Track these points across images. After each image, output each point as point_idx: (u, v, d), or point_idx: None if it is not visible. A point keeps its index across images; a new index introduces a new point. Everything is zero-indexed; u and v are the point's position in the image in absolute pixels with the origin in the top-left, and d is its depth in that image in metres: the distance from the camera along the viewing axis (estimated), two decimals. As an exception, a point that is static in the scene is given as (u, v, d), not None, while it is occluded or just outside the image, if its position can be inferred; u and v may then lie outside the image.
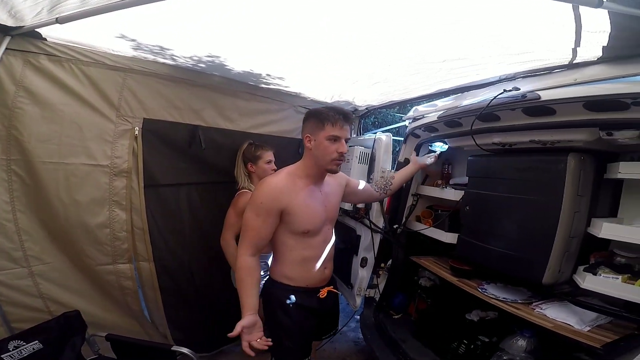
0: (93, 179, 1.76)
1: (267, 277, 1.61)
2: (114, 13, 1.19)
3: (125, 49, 1.69)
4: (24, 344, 1.51)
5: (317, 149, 1.42)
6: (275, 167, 2.17)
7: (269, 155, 2.19)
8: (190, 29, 1.43)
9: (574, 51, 1.34)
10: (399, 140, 2.97)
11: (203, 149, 2.14)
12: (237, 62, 1.85)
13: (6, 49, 1.44)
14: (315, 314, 1.57)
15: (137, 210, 1.94)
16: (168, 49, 1.69)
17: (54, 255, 1.73)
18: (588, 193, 1.54)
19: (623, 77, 1.29)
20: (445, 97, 2.19)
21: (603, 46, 1.24)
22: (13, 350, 1.47)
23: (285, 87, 2.27)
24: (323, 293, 1.56)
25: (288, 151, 2.63)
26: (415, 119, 2.39)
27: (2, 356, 1.44)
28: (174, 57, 1.78)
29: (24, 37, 1.47)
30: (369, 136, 2.70)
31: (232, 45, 1.61)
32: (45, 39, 1.53)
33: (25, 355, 1.50)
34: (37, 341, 1.55)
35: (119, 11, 1.17)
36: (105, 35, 1.54)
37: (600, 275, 1.40)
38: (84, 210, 1.74)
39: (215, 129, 2.20)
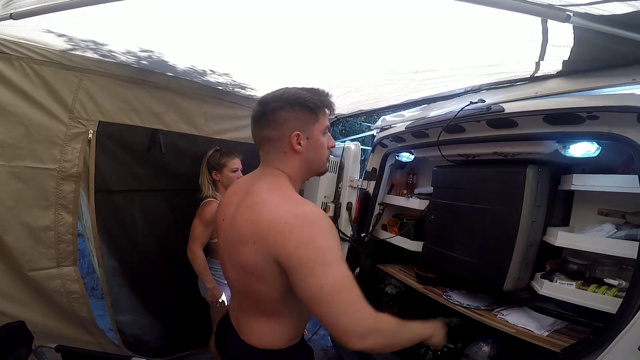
0: (38, 183, 1.64)
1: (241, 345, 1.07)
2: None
3: (59, 44, 1.57)
4: None
5: (312, 149, 1.00)
6: (241, 176, 2.07)
7: (234, 164, 2.11)
8: (125, 23, 1.32)
9: (537, 64, 1.42)
10: (366, 149, 3.00)
11: (163, 154, 2.07)
12: (178, 59, 1.77)
13: None
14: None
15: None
16: (103, 44, 1.59)
17: None
18: (544, 203, 1.63)
19: (579, 90, 1.39)
20: (412, 107, 2.25)
21: (564, 60, 1.33)
22: None
23: (241, 87, 2.21)
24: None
25: (255, 158, 2.54)
26: (383, 129, 2.43)
27: None
28: (112, 52, 1.68)
29: None
30: (338, 145, 2.70)
31: (172, 39, 1.52)
32: None
33: None
34: None
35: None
36: (36, 31, 1.42)
37: (557, 282, 1.48)
38: (26, 213, 1.62)
39: (177, 133, 2.12)
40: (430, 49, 1.43)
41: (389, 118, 2.41)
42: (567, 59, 1.31)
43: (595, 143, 1.40)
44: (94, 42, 1.58)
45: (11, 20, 1.22)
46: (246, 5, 1.20)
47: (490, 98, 1.65)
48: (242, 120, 2.42)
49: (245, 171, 2.13)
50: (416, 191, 2.45)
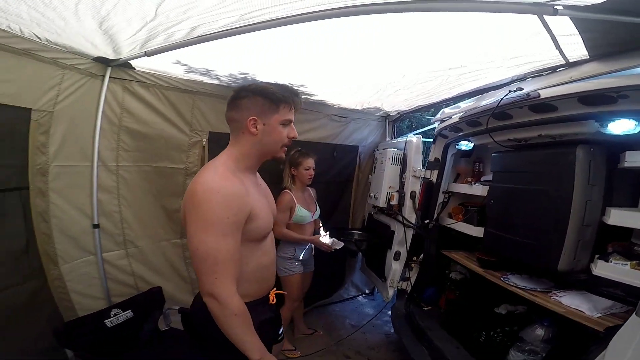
0: (173, 178, 2.24)
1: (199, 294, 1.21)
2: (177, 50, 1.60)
3: (181, 72, 2.06)
4: (121, 312, 1.91)
5: (267, 134, 1.17)
6: (313, 174, 2.47)
7: (308, 162, 2.46)
8: (227, 52, 1.74)
9: (562, 52, 1.46)
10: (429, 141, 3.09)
11: None
12: (264, 77, 2.14)
13: (110, 77, 1.85)
14: (272, 322, 1.36)
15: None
16: (212, 70, 2.05)
17: (143, 239, 2.20)
18: (601, 182, 1.57)
19: (611, 72, 1.38)
20: (465, 99, 2.31)
21: (587, 46, 1.35)
22: (113, 316, 1.87)
23: (312, 95, 2.56)
24: (272, 298, 1.34)
25: (325, 154, 2.95)
26: (442, 121, 2.53)
27: (105, 321, 1.83)
28: (218, 76, 2.16)
29: (120, 67, 1.88)
30: (401, 139, 2.89)
31: (259, 62, 1.90)
32: (134, 68, 1.94)
33: (121, 321, 1.89)
34: (129, 310, 1.94)
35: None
36: (167, 62, 1.87)
37: (612, 262, 1.44)
38: (165, 199, 2.23)
39: None
40: (457, 48, 1.59)
41: (447, 110, 2.50)
42: (587, 44, 1.32)
43: (633, 120, 1.34)
44: (207, 69, 2.03)
45: (145, 57, 1.69)
46: (311, 34, 1.51)
47: (530, 86, 1.68)
48: (312, 123, 2.82)
49: (318, 165, 2.51)
50: (482, 179, 2.48)
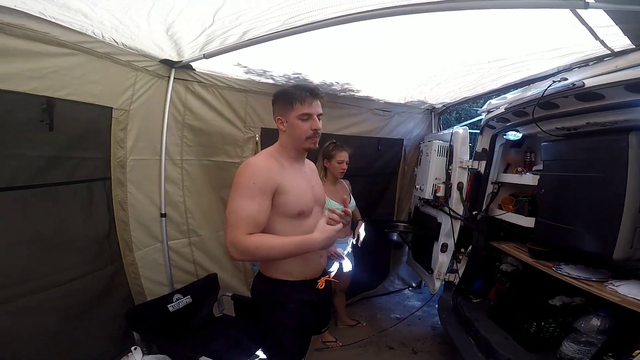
0: (230, 171, 2.29)
1: (257, 274, 1.49)
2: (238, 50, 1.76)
3: (241, 74, 2.25)
4: (182, 297, 2.01)
5: (290, 129, 1.36)
6: (346, 168, 2.49)
7: (341, 156, 2.45)
8: (281, 55, 1.90)
9: (603, 43, 1.45)
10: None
11: None
12: (314, 76, 2.33)
13: (174, 78, 2.01)
14: (315, 307, 1.46)
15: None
16: (268, 71, 2.23)
17: (204, 228, 2.36)
18: (655, 168, 1.49)
19: None
20: (514, 90, 2.27)
21: (629, 36, 1.32)
22: (175, 301, 1.98)
23: (357, 91, 2.63)
24: (321, 283, 1.44)
25: (369, 148, 3.03)
26: (489, 112, 2.50)
27: (168, 306, 1.94)
28: (273, 77, 2.34)
29: (182, 69, 2.03)
30: (447, 131, 2.88)
31: (309, 63, 2.07)
32: (194, 70, 2.09)
33: (182, 306, 1.99)
34: (189, 296, 2.04)
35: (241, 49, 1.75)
36: (228, 65, 2.06)
37: (674, 249, 1.37)
38: (223, 191, 2.36)
39: None
40: (495, 42, 1.63)
41: (493, 101, 2.45)
42: (627, 34, 1.29)
43: None
44: (263, 70, 2.19)
45: (204, 59, 1.84)
46: (352, 35, 1.61)
47: (575, 76, 1.65)
48: (354, 118, 2.91)
49: (356, 159, 2.53)
50: (534, 168, 2.41)
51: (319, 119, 1.36)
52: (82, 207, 1.70)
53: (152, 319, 1.86)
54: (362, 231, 2.32)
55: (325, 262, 1.56)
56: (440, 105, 3.08)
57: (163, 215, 2.16)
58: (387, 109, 3.05)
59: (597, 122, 1.73)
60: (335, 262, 2.50)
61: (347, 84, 2.51)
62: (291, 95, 1.34)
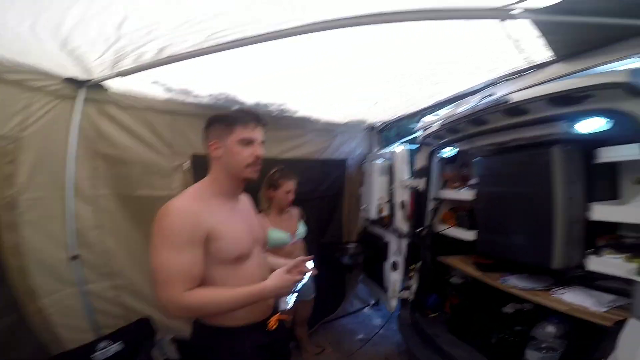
0: (156, 206, 2.10)
1: (195, 321, 1.31)
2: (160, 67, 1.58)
3: (161, 93, 2.00)
4: (112, 343, 1.81)
5: (228, 156, 1.22)
6: (293, 198, 2.35)
7: (288, 186, 2.30)
8: (206, 72, 1.74)
9: (527, 55, 1.56)
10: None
11: None
12: (246, 96, 2.17)
13: (84, 99, 1.75)
14: (271, 349, 1.34)
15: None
16: (191, 91, 2.03)
17: (131, 269, 2.08)
18: (580, 179, 1.61)
19: (577, 72, 1.45)
20: (446, 106, 2.37)
21: (552, 47, 1.41)
22: (102, 349, 1.77)
23: (294, 112, 2.55)
24: (273, 323, 1.31)
25: (314, 170, 2.94)
26: (424, 129, 2.57)
27: (91, 356, 1.71)
28: (198, 96, 2.10)
29: (93, 88, 1.78)
30: (387, 150, 2.92)
31: (239, 81, 1.92)
32: (107, 90, 1.85)
33: (111, 354, 1.78)
34: (120, 342, 1.84)
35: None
36: (145, 83, 1.84)
37: (604, 256, 1.47)
38: (150, 229, 2.11)
39: None
40: (428, 57, 1.66)
41: (427, 118, 2.54)
42: (551, 46, 1.39)
43: (601, 118, 1.40)
44: (186, 89, 2.00)
45: (118, 77, 1.66)
46: (285, 52, 1.55)
47: (500, 91, 1.74)
48: (296, 140, 2.82)
49: (300, 183, 2.40)
50: (469, 183, 2.51)
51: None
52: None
53: None
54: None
55: (272, 301, 1.39)
56: (380, 123, 3.12)
57: (75, 257, 1.85)
58: (330, 129, 3.01)
59: (523, 137, 1.82)
60: (291, 296, 2.34)
61: (284, 104, 2.41)
62: (232, 118, 1.23)
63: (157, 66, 1.57)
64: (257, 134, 1.25)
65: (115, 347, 1.82)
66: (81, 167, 1.85)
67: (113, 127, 1.94)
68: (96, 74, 1.67)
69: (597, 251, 1.52)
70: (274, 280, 1.19)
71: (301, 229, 2.49)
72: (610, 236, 1.60)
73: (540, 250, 1.68)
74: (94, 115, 1.87)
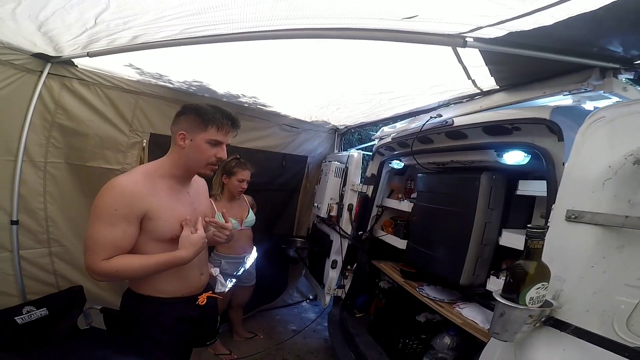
0: (107, 178, 2.10)
1: (127, 290, 1.39)
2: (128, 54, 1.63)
3: (133, 75, 2.11)
4: (35, 309, 1.86)
5: (192, 150, 1.26)
6: (245, 187, 2.44)
7: (243, 175, 2.39)
8: (181, 60, 1.82)
9: (474, 82, 1.64)
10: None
11: None
12: (218, 86, 2.26)
13: (48, 73, 1.85)
14: (196, 323, 1.44)
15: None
16: (165, 75, 2.12)
17: (70, 238, 2.13)
18: (499, 207, 1.77)
19: (513, 103, 1.57)
20: (403, 119, 2.50)
21: (495, 77, 1.53)
22: (25, 314, 1.82)
23: (265, 106, 2.64)
24: (202, 300, 1.42)
25: (274, 163, 3.02)
26: (380, 139, 2.70)
27: (15, 318, 1.76)
28: (171, 82, 2.20)
29: (61, 64, 1.88)
30: (345, 153, 3.03)
31: (214, 71, 2.00)
32: (76, 66, 1.94)
33: (34, 318, 1.84)
34: (44, 308, 1.90)
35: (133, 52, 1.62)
36: (118, 64, 1.95)
37: (501, 278, 1.64)
38: None
39: None
40: (386, 75, 1.75)
41: (386, 129, 2.67)
42: (494, 75, 1.51)
43: (522, 151, 1.54)
44: (159, 74, 2.09)
45: (88, 57, 1.73)
46: (258, 49, 1.58)
47: (448, 113, 1.86)
48: (261, 131, 2.89)
49: (259, 173, 2.51)
50: (412, 196, 2.67)
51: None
52: None
53: None
54: (250, 259, 2.42)
55: (206, 279, 1.51)
56: (343, 127, 3.24)
57: (14, 222, 1.90)
58: (295, 125, 3.10)
59: (459, 160, 1.97)
60: (231, 279, 2.41)
61: (255, 97, 2.47)
62: (209, 117, 1.25)
63: (130, 51, 1.62)
64: (228, 138, 1.30)
65: (39, 313, 1.86)
66: (34, 135, 1.90)
67: (74, 101, 2.01)
68: (66, 52, 1.73)
69: (497, 273, 1.69)
70: (183, 247, 1.23)
71: (250, 217, 2.57)
72: (512, 260, 1.77)
73: (452, 266, 1.84)
74: (56, 89, 1.93)
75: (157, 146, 2.35)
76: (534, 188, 1.56)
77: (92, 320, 2.12)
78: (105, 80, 2.08)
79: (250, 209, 2.61)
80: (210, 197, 2.35)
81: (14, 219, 1.88)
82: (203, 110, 1.26)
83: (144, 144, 2.30)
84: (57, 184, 2.05)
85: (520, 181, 1.65)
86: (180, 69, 2.00)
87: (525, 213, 1.83)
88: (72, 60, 1.86)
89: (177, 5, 1.17)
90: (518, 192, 1.65)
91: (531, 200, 1.79)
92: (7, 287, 1.90)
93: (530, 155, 1.55)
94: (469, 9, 0.98)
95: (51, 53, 1.75)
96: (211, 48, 1.55)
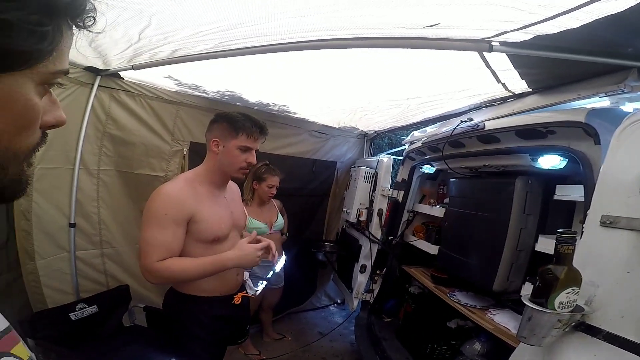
0: (152, 185, 2.26)
1: (169, 289, 1.51)
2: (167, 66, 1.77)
3: (172, 86, 2.25)
4: (86, 306, 2.01)
5: (224, 155, 1.37)
6: (274, 193, 2.52)
7: (273, 181, 2.50)
8: (215, 71, 1.92)
9: (504, 86, 1.62)
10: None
11: None
12: (250, 95, 2.37)
13: (98, 85, 2.00)
14: (230, 321, 1.52)
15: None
16: (200, 86, 2.24)
17: (119, 241, 2.31)
18: (536, 212, 1.72)
19: (548, 106, 1.53)
20: (434, 123, 2.49)
21: (526, 80, 1.50)
22: (78, 310, 1.97)
23: (294, 113, 2.73)
24: (238, 299, 1.50)
25: (304, 169, 3.10)
26: (411, 143, 2.71)
27: (70, 314, 1.92)
28: (206, 92, 2.34)
29: (109, 76, 2.03)
30: (375, 158, 3.06)
31: (246, 82, 2.10)
32: (122, 78, 2.09)
33: (85, 315, 1.99)
34: (95, 306, 2.04)
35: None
36: (158, 76, 2.07)
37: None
38: (143, 206, 2.25)
39: None
40: (413, 81, 1.77)
41: (416, 133, 2.67)
42: (524, 78, 1.48)
43: (558, 155, 1.49)
44: (195, 85, 2.22)
45: (132, 70, 1.87)
46: (289, 60, 1.65)
47: (479, 116, 1.85)
48: (292, 138, 2.99)
49: (290, 179, 2.60)
50: (445, 201, 2.64)
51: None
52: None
53: (50, 327, 1.81)
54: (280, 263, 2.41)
55: (241, 279, 1.59)
56: (372, 132, 3.27)
57: (72, 225, 2.07)
58: (324, 132, 3.17)
59: (492, 165, 1.93)
60: (261, 282, 2.50)
61: (284, 106, 2.57)
62: (239, 124, 1.35)
63: (170, 64, 1.75)
64: (257, 144, 1.40)
65: (90, 310, 2.01)
66: (89, 144, 2.08)
67: (122, 112, 2.17)
68: (113, 65, 1.88)
69: (532, 279, 1.64)
70: (236, 249, 1.34)
71: (279, 222, 2.67)
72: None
73: (485, 272, 1.80)
74: (106, 100, 2.09)
75: (196, 154, 2.48)
76: (573, 193, 1.50)
77: (136, 317, 2.27)
78: (148, 92, 2.22)
79: (279, 213, 2.70)
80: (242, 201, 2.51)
81: (72, 222, 2.06)
82: (234, 119, 1.37)
83: (185, 152, 2.44)
84: (108, 190, 2.22)
85: (557, 186, 1.60)
86: (214, 79, 2.11)
87: (565, 218, 1.75)
88: (119, 72, 2.01)
89: (211, 22, 1.26)
90: (556, 197, 1.60)
91: (571, 205, 1.71)
92: (64, 285, 2.07)
93: (567, 159, 1.50)
94: (490, 16, 0.99)
95: (100, 66, 1.90)
96: (243, 60, 1.63)
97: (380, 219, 2.80)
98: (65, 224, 2.05)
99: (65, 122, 0.43)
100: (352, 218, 2.95)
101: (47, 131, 0.41)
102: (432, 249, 2.41)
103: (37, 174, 1.86)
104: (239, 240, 1.47)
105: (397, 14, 1.07)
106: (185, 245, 1.33)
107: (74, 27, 0.38)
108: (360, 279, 2.82)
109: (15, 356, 0.38)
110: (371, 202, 2.89)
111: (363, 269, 2.82)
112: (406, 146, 2.85)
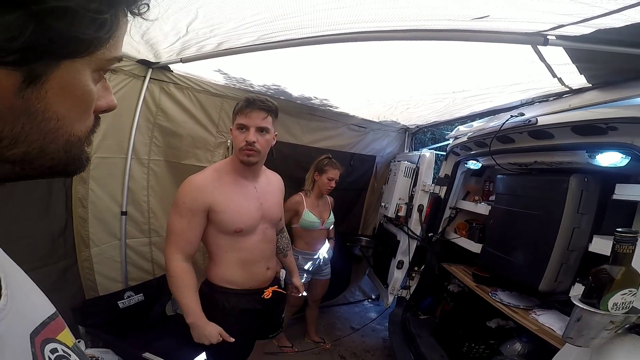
0: None
1: (205, 279, 1.53)
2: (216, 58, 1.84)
3: (220, 80, 2.31)
4: (134, 295, 2.03)
5: (233, 139, 1.41)
6: (334, 186, 2.55)
7: (333, 173, 2.52)
8: (261, 65, 1.96)
9: (560, 80, 1.53)
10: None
11: (274, 158, 2.74)
12: (293, 89, 2.42)
13: (150, 78, 2.03)
14: (260, 315, 1.52)
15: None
16: (248, 80, 2.30)
17: (165, 230, 2.44)
18: (591, 211, 1.61)
19: (607, 102, 1.43)
20: (481, 118, 2.40)
21: (585, 75, 1.42)
22: (126, 298, 2.00)
23: (335, 107, 2.73)
24: (268, 294, 1.50)
25: (342, 162, 3.10)
26: (455, 138, 2.63)
27: (118, 302, 1.95)
28: (252, 85, 2.41)
29: (159, 69, 2.06)
30: (416, 153, 3.01)
31: (290, 76, 2.16)
32: (172, 72, 2.12)
33: (132, 303, 2.01)
34: (142, 294, 2.07)
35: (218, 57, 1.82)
36: (208, 70, 2.13)
37: (586, 285, 1.50)
38: None
39: (283, 142, 2.77)
40: (459, 74, 1.71)
41: (462, 128, 2.58)
42: (583, 73, 1.39)
43: (619, 153, 1.39)
44: (243, 79, 2.27)
45: (181, 63, 1.90)
46: (329, 53, 1.68)
47: (531, 112, 1.76)
48: (330, 131, 3.00)
49: None
50: (490, 199, 2.55)
51: (263, 132, 1.35)
52: (39, 203, 1.70)
53: (99, 314, 1.87)
54: (325, 251, 2.48)
55: (272, 274, 1.59)
56: (414, 126, 3.21)
57: (124, 213, 2.15)
58: (363, 125, 3.16)
59: (544, 161, 1.85)
60: (305, 275, 2.57)
61: (326, 99, 2.60)
62: (236, 107, 1.40)
63: (216, 57, 1.81)
64: (252, 119, 1.33)
65: (136, 298, 2.06)
66: (140, 135, 2.15)
67: (171, 104, 2.22)
68: (163, 58, 1.94)
69: (584, 280, 1.55)
70: (203, 324, 1.35)
71: (331, 219, 2.70)
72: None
73: (531, 271, 1.73)
74: (157, 93, 2.15)
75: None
76: (635, 192, 1.40)
77: (178, 307, 2.26)
78: (195, 85, 2.26)
79: (331, 211, 2.72)
80: (301, 192, 2.55)
81: (124, 210, 2.12)
82: (237, 104, 1.41)
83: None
84: (157, 180, 2.28)
85: (618, 184, 1.49)
86: (260, 73, 2.16)
87: (624, 219, 1.63)
88: (169, 65, 2.06)
89: (253, 14, 1.29)
90: (615, 196, 1.50)
91: (631, 205, 1.59)
92: (114, 272, 2.13)
93: (629, 157, 1.40)
94: (545, 8, 0.94)
95: (151, 59, 1.94)
96: (286, 53, 1.65)
97: (420, 215, 2.76)
98: (117, 212, 2.12)
99: (116, 106, 0.45)
100: (391, 213, 2.92)
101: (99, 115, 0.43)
102: (475, 247, 2.34)
103: (93, 162, 1.93)
104: (268, 233, 1.50)
105: (443, 5, 1.05)
106: (209, 236, 1.38)
107: (128, 15, 0.38)
108: (397, 275, 2.81)
109: (60, 342, 0.38)
110: (411, 197, 2.85)
111: (400, 265, 2.81)
112: (450, 141, 2.77)
